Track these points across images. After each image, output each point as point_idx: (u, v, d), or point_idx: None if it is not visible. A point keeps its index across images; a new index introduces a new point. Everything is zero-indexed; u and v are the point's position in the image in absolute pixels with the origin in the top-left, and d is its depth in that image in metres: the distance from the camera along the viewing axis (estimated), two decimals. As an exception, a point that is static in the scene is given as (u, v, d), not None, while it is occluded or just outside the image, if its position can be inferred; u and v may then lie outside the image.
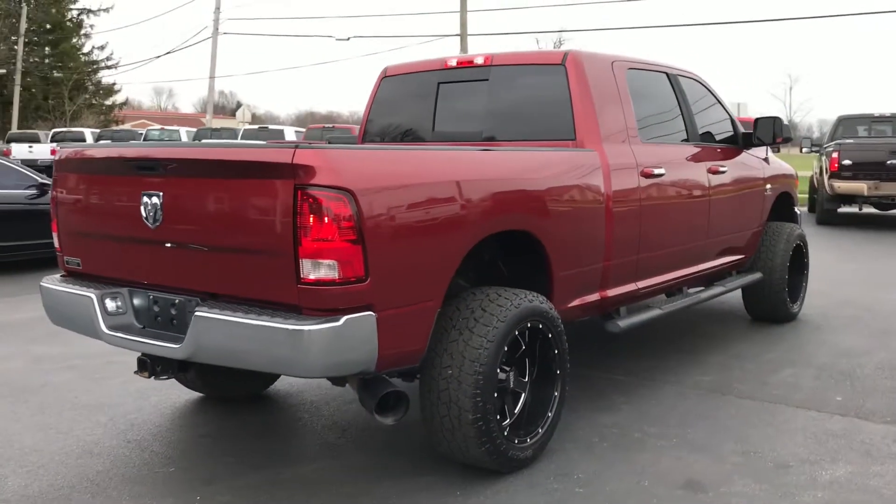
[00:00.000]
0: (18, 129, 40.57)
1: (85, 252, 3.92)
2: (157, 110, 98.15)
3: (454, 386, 3.51)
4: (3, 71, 43.40)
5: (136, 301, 3.68)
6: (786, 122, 6.18)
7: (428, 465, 3.87)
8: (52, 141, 29.48)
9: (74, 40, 52.07)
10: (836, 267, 10.06)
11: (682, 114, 5.54)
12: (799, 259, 7.01)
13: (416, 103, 5.27)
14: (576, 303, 4.43)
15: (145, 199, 3.48)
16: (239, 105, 64.79)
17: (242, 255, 3.24)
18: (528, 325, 3.77)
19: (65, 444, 4.18)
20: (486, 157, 3.84)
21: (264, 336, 3.08)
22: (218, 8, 34.38)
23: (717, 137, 6.12)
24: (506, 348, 3.64)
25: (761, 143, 6.20)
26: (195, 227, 3.38)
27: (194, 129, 30.85)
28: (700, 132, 5.79)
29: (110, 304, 3.66)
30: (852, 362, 5.63)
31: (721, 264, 5.99)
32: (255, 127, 26.94)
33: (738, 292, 6.83)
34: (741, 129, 6.27)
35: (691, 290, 5.90)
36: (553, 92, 4.68)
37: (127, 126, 46.24)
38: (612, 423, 4.45)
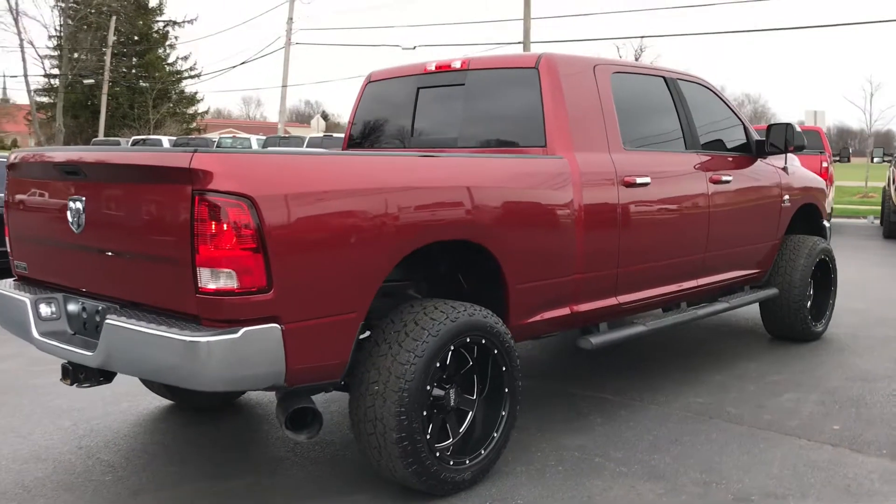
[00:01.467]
0: (105, 136, 42.23)
1: (29, 257, 3.92)
2: (244, 119, 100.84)
3: (379, 403, 3.36)
4: (92, 81, 45.18)
5: (70, 307, 3.65)
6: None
7: (366, 486, 3.72)
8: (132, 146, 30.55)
9: (160, 51, 53.94)
10: (884, 284, 9.47)
11: (681, 120, 5.25)
12: (825, 275, 6.60)
13: (397, 109, 5.14)
14: (540, 317, 4.22)
15: (71, 203, 3.45)
16: (325, 115, 65.89)
17: (151, 262, 3.16)
18: (468, 339, 3.59)
19: (18, 447, 4.19)
20: (422, 164, 3.67)
21: (164, 347, 2.99)
22: (290, 18, 34.97)
23: (729, 145, 5.81)
24: (438, 364, 3.47)
25: (775, 152, 5.85)
26: (111, 232, 3.32)
27: (264, 137, 31.43)
28: (704, 140, 5.49)
29: (44, 310, 3.64)
30: (865, 388, 5.23)
31: (728, 279, 5.66)
32: (321, 135, 27.22)
33: (756, 308, 6.46)
34: (755, 137, 5.93)
35: (695, 306, 5.59)
36: (526, 97, 4.48)
37: (213, 135, 47.42)
38: (577, 445, 4.21)
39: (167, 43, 54.00)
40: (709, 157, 5.38)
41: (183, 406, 4.87)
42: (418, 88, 5.01)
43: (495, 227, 3.84)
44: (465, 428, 3.74)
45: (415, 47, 29.96)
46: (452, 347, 3.53)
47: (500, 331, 3.72)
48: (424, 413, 3.42)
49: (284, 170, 3.09)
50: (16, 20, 43.47)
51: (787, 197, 6.13)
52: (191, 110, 55.58)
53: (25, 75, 44.13)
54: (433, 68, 4.96)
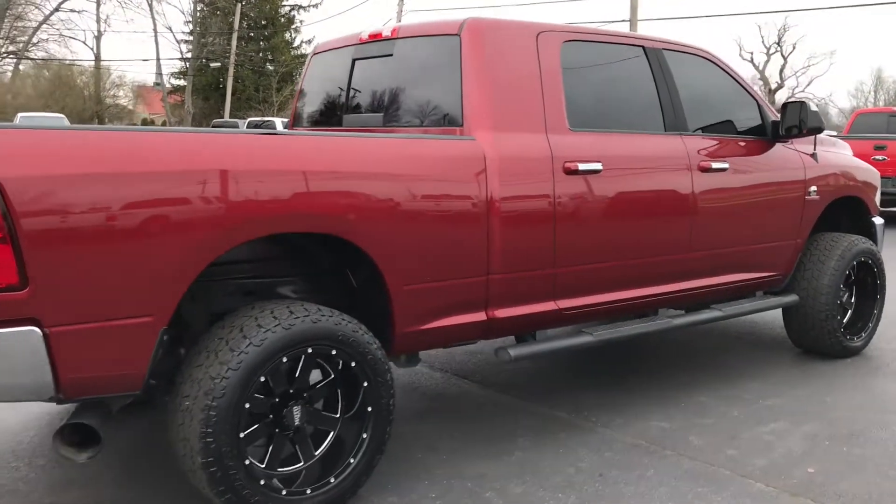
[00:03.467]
0: (230, 117, 43.63)
1: None
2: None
3: (188, 421, 2.91)
4: (219, 64, 46.76)
5: None
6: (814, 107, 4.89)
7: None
8: (247, 128, 31.33)
9: (286, 35, 55.18)
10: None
11: (661, 98, 4.49)
12: (867, 281, 5.63)
13: (335, 83, 4.65)
14: (441, 323, 3.64)
15: None
16: None
17: None
18: (309, 350, 3.08)
19: None
20: (256, 145, 3.13)
21: None
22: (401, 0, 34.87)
23: (738, 127, 4.99)
24: (264, 378, 2.99)
25: (790, 135, 4.97)
26: None
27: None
28: (699, 121, 4.71)
29: None
30: (875, 420, 4.34)
31: (728, 283, 4.85)
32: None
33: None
34: (771, 119, 5.06)
35: (673, 315, 4.83)
36: (446, 69, 3.89)
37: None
38: (477, 474, 3.63)
39: (292, 27, 55.17)
40: (699, 141, 4.60)
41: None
42: (353, 60, 4.49)
43: (367, 220, 3.29)
44: (323, 451, 3.25)
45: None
46: (286, 359, 3.03)
47: (359, 340, 3.19)
48: (242, 434, 2.95)
49: (44, 148, 2.66)
50: (150, 6, 45.63)
51: (813, 188, 5.22)
52: (314, 93, 56.56)
53: (158, 59, 46.30)
54: (366, 38, 4.43)
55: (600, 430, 4.18)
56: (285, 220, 3.10)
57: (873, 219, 5.84)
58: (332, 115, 4.65)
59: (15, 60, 46.69)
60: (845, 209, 5.76)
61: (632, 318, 4.77)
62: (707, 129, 4.76)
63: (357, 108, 4.45)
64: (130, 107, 55.05)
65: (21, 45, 46.24)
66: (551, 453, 3.87)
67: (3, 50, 45.93)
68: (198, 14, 49.52)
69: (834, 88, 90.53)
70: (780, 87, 54.07)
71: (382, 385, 3.28)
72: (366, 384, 3.24)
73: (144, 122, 50.88)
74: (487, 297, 3.76)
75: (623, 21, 24.80)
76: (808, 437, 4.11)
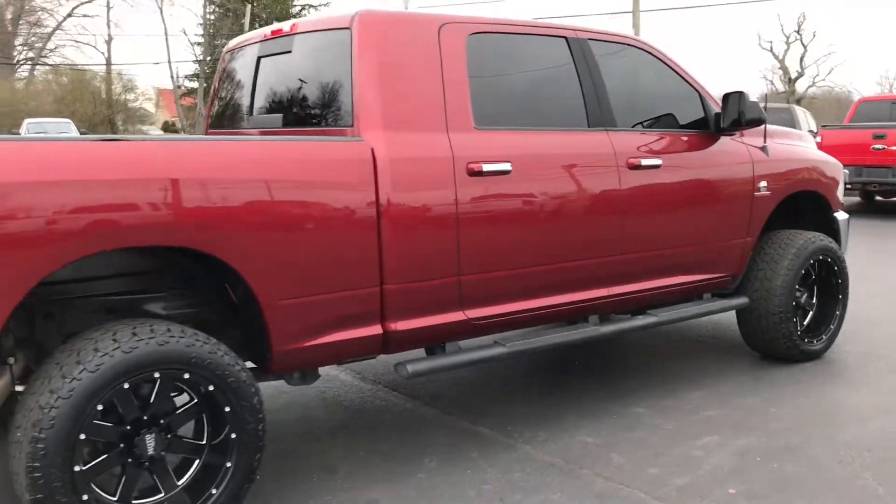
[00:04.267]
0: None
1: None
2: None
3: (17, 454, 2.69)
4: (230, 66, 46.77)
5: None
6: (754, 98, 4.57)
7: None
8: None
9: (298, 34, 55.15)
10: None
11: (585, 92, 4.21)
12: (829, 281, 5.31)
13: (244, 83, 4.41)
14: (329, 338, 3.39)
15: None
16: None
17: None
18: (156, 374, 2.85)
19: None
20: (94, 153, 2.88)
21: None
22: (408, -4, 34.54)
23: (680, 121, 4.70)
24: (102, 406, 2.76)
25: (734, 128, 4.67)
26: None
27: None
28: (631, 115, 4.44)
29: None
30: (820, 433, 4.04)
31: (667, 286, 4.55)
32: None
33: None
34: (714, 111, 4.76)
35: (604, 322, 4.55)
36: (339, 65, 3.65)
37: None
38: (366, 500, 3.38)
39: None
40: (628, 137, 4.32)
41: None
42: (258, 58, 4.25)
43: (230, 231, 3.05)
44: (188, 480, 3.02)
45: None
46: (128, 384, 2.80)
47: (217, 362, 2.95)
48: (79, 468, 2.72)
49: None
50: (160, 9, 45.74)
51: (763, 184, 4.91)
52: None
53: (169, 61, 46.47)
54: (270, 33, 4.19)
55: (520, 446, 3.92)
56: (136, 233, 2.85)
57: (836, 214, 5.52)
58: (238, 116, 4.42)
59: (30, 66, 47.03)
60: (808, 204, 5.45)
61: (562, 325, 4.51)
62: (641, 124, 4.48)
63: (261, 109, 4.21)
64: (152, 110, 55.21)
65: (37, 50, 46.58)
66: (458, 475, 3.62)
67: (21, 56, 46.29)
68: (208, 16, 49.63)
69: (857, 77, 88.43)
70: (800, 75, 53.13)
71: (248, 409, 3.04)
72: (227, 409, 3.00)
73: (166, 126, 51.02)
74: (383, 308, 3.51)
75: (626, 12, 24.28)
76: (741, 452, 3.82)
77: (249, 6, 46.98)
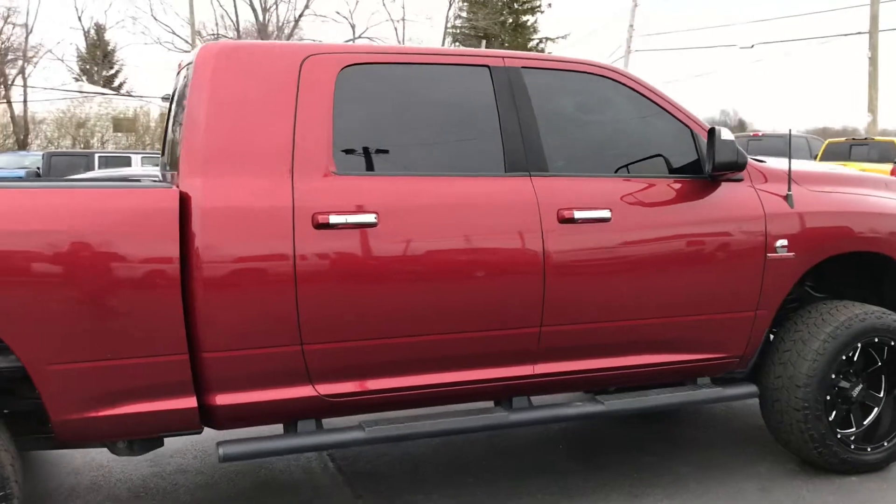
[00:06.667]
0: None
1: None
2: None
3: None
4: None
5: None
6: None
7: None
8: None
9: (535, 68, 55.54)
10: None
11: (504, 130, 3.52)
12: (889, 370, 4.09)
13: (175, 113, 4.18)
14: (127, 409, 3.02)
15: None
16: (742, 123, 60.85)
17: None
18: None
19: None
20: None
21: None
22: (632, 25, 33.53)
23: (666, 163, 3.85)
24: None
25: (711, 173, 3.72)
26: None
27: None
28: (578, 157, 3.71)
29: None
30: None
31: (626, 367, 3.69)
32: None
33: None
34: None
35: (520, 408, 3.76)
36: (190, 101, 3.30)
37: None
38: None
39: (540, 60, 55.44)
40: (564, 184, 3.56)
41: None
42: (174, 90, 4.02)
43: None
44: None
45: (752, 46, 26.84)
46: None
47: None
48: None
49: None
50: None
51: (782, 243, 3.86)
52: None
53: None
54: (185, 63, 3.94)
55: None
56: None
57: (908, 283, 4.27)
58: (170, 150, 4.19)
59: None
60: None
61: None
62: (593, 167, 3.70)
63: (168, 147, 3.96)
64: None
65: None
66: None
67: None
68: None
69: None
70: None
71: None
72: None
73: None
74: (199, 379, 3.09)
75: (862, 33, 21.67)
76: None
77: (484, 42, 48.06)
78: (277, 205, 3.13)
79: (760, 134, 19.26)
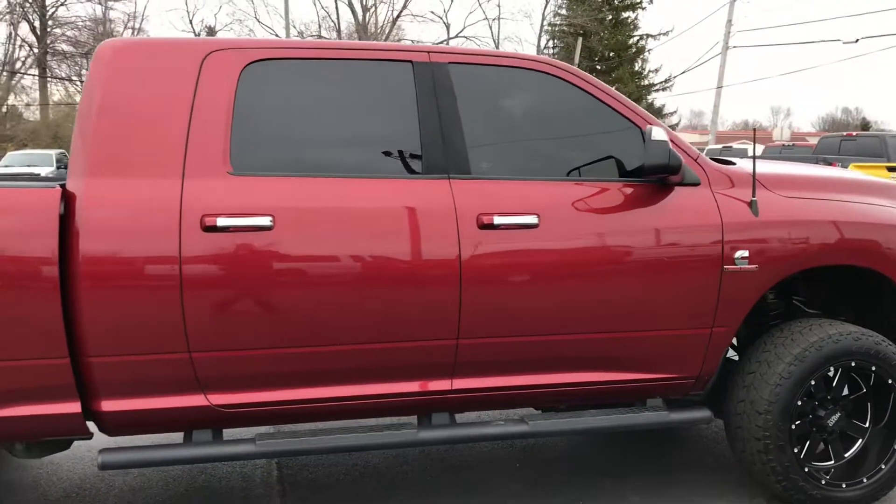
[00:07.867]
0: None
1: None
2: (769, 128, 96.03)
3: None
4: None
5: None
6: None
7: None
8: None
9: (636, 65, 54.26)
10: None
11: (423, 130, 3.30)
12: (875, 398, 3.66)
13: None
14: (8, 412, 2.97)
15: None
16: (865, 124, 58.06)
17: None
18: None
19: None
20: None
21: None
22: (730, 21, 32.21)
23: (613, 165, 3.55)
24: None
25: (640, 175, 3.40)
26: None
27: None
28: (509, 158, 3.47)
29: None
30: None
31: (555, 385, 3.41)
32: (720, 147, 24.50)
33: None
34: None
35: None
36: (84, 100, 3.23)
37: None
38: None
39: (641, 56, 54.14)
40: (487, 187, 3.32)
41: None
42: None
43: None
44: None
45: (857, 40, 25.39)
46: None
47: None
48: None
49: None
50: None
51: (742, 254, 3.50)
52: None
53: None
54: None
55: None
56: None
57: (906, 301, 3.80)
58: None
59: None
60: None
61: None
62: (525, 170, 3.45)
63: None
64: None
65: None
66: None
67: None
68: (543, 51, 50.81)
69: None
70: None
71: None
72: None
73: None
74: (83, 383, 3.02)
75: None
76: None
77: (580, 39, 47.27)
78: (164, 206, 3.02)
79: (855, 134, 18.10)
